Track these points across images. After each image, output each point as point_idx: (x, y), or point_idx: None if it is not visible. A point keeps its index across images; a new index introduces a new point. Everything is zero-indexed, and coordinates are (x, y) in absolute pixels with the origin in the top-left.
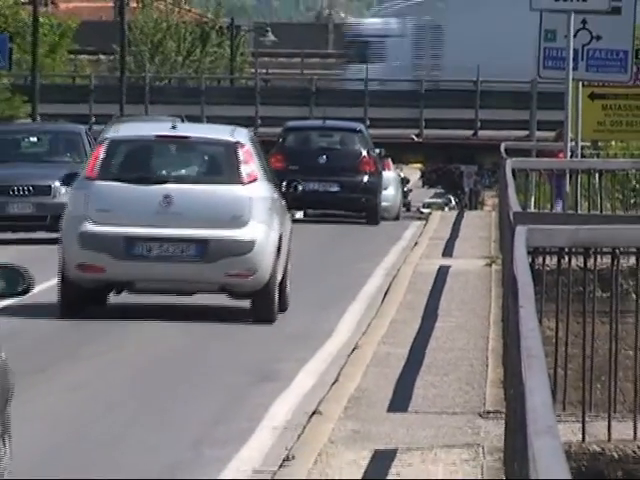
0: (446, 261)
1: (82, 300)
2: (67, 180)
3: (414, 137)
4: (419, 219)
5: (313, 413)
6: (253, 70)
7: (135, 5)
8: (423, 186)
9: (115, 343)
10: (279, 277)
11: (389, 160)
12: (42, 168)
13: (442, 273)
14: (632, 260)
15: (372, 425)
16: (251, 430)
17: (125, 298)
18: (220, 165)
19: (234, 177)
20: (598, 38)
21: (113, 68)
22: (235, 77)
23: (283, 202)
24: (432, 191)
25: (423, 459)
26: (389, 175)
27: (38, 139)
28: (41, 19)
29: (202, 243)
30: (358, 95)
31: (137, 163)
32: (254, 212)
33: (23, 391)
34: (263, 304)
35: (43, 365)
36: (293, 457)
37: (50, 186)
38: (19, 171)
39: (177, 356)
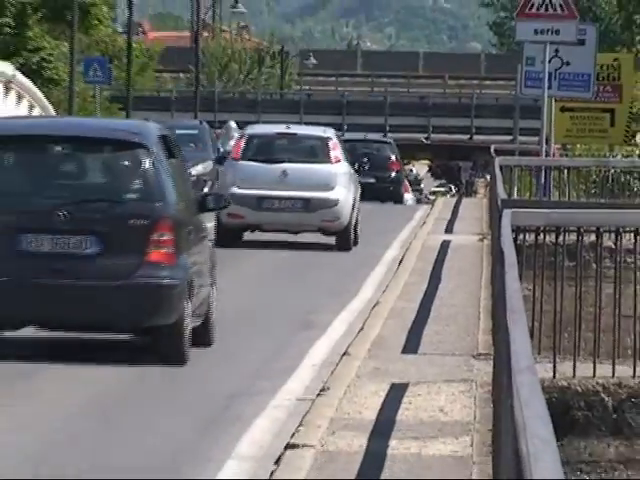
0: (448, 237)
1: (230, 236)
2: None
3: (423, 140)
4: (427, 203)
5: (343, 354)
6: (298, 86)
7: (207, 35)
8: (432, 178)
9: None
10: (353, 223)
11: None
12: None
13: (444, 246)
14: (592, 237)
15: (389, 364)
16: (295, 367)
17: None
18: (317, 151)
19: (326, 159)
20: (567, 64)
21: (189, 84)
22: (284, 92)
23: (356, 176)
24: (437, 182)
25: (429, 391)
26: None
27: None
28: (134, 45)
29: (306, 200)
30: (380, 106)
31: (265, 150)
32: (338, 181)
33: None
34: (343, 240)
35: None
36: (328, 388)
37: None
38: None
39: (234, 307)
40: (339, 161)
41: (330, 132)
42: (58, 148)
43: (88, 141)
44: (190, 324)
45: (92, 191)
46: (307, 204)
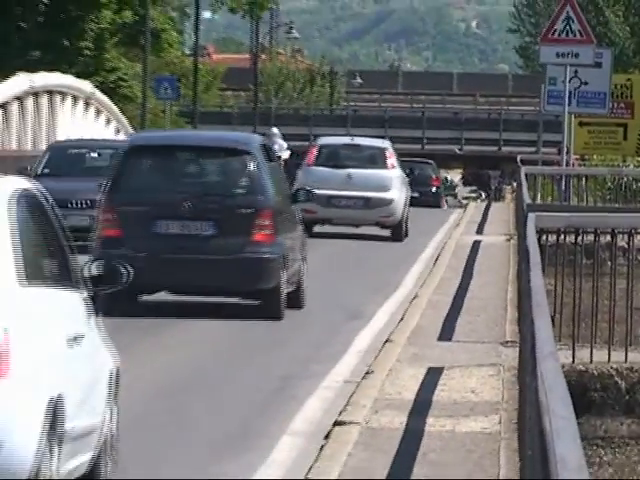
0: (478, 237)
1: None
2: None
3: (457, 151)
4: (460, 207)
5: (386, 341)
6: (346, 103)
7: (265, 57)
8: (463, 185)
9: None
10: (404, 218)
11: None
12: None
13: (475, 245)
14: (607, 238)
15: (427, 350)
16: (343, 352)
17: None
18: (376, 159)
19: (383, 165)
20: (586, 83)
21: (249, 100)
22: (333, 108)
23: (407, 180)
24: (469, 188)
25: (462, 374)
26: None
27: (99, 154)
28: (200, 66)
29: (366, 199)
30: (418, 121)
31: (333, 157)
32: (393, 184)
33: None
34: (397, 232)
35: None
36: (372, 371)
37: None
38: (79, 185)
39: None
40: (394, 167)
41: (387, 143)
42: (186, 154)
43: (208, 149)
44: (285, 289)
45: (210, 187)
46: (367, 202)
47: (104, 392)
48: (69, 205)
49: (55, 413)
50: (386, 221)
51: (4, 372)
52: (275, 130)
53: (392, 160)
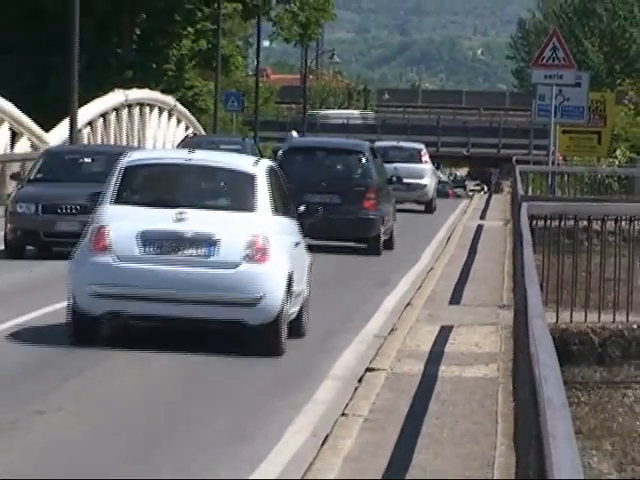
0: (481, 222)
1: None
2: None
3: (465, 152)
4: (467, 198)
5: (407, 304)
6: (376, 114)
7: (312, 77)
8: (469, 180)
9: None
10: (434, 198)
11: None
12: (95, 188)
13: (479, 228)
14: (585, 223)
15: (440, 311)
16: (373, 313)
17: None
18: (414, 156)
19: (419, 161)
20: (568, 99)
21: (299, 112)
22: (367, 118)
23: (436, 171)
24: (474, 182)
25: (468, 331)
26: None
27: (92, 160)
28: (260, 84)
29: (408, 184)
30: (434, 129)
31: (384, 155)
32: (426, 174)
33: None
34: (428, 208)
35: None
36: (396, 329)
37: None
38: (69, 191)
39: (328, 270)
40: (427, 162)
41: (422, 146)
42: (323, 153)
43: (337, 150)
44: (383, 237)
45: (338, 173)
46: (408, 186)
47: (306, 274)
48: (59, 210)
49: (289, 281)
50: (421, 199)
51: (266, 259)
52: (294, 134)
53: (425, 157)
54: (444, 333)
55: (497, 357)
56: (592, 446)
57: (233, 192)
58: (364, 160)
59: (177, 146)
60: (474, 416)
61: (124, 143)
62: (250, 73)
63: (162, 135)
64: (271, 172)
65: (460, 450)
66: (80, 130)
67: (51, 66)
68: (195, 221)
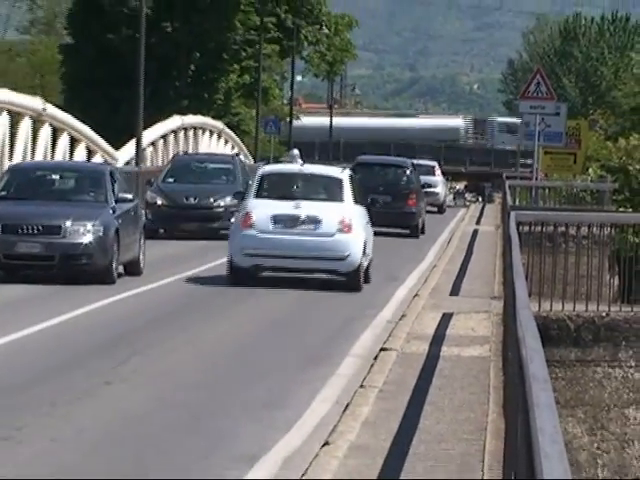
0: (477, 227)
1: None
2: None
3: (462, 170)
4: (465, 207)
5: (415, 295)
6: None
7: (337, 106)
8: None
9: None
10: (445, 203)
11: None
12: (58, 207)
13: (475, 232)
14: (562, 228)
15: (442, 301)
16: (386, 302)
17: None
18: (429, 170)
19: (433, 174)
20: (549, 126)
21: (328, 136)
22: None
23: (446, 182)
24: (470, 194)
25: (465, 318)
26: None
27: (61, 177)
28: (293, 112)
29: (424, 192)
30: (437, 150)
31: None
32: (438, 184)
33: None
34: (440, 209)
35: None
36: (405, 315)
37: (60, 226)
38: (32, 209)
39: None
40: (439, 175)
41: (434, 163)
42: (380, 167)
43: (390, 164)
44: (421, 227)
45: (390, 181)
46: (426, 193)
47: (371, 242)
48: (19, 231)
49: (364, 245)
50: (434, 203)
51: (350, 231)
52: (295, 151)
53: (438, 171)
54: (445, 319)
55: (489, 339)
56: (568, 414)
57: (329, 190)
58: (408, 172)
59: (168, 163)
60: (470, 388)
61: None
62: (285, 102)
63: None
64: (351, 177)
65: (458, 416)
66: (144, 149)
67: (122, 96)
68: (307, 208)
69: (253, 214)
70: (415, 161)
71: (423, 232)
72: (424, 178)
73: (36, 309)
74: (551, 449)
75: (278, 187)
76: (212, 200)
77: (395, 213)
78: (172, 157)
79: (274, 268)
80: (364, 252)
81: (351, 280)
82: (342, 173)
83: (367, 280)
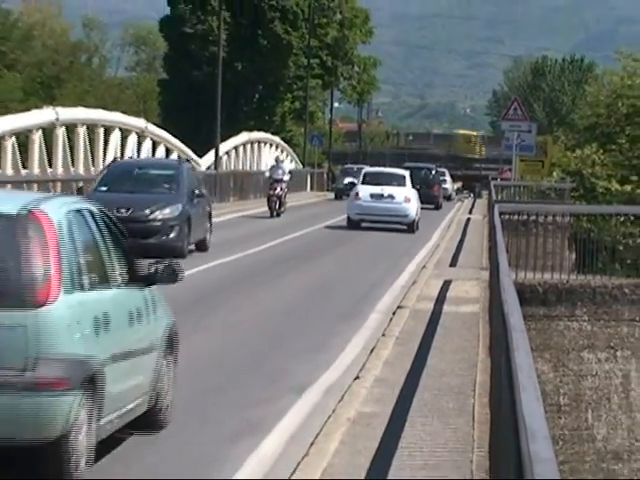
0: (469, 216)
1: None
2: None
3: (459, 172)
4: (461, 201)
5: (423, 267)
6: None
7: (364, 125)
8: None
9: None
10: (452, 196)
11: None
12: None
13: (467, 220)
14: (533, 217)
15: (444, 271)
16: (401, 272)
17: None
18: (432, 173)
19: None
20: (523, 141)
21: (357, 147)
22: (399, 152)
23: (452, 183)
24: (465, 192)
25: (461, 284)
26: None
27: (147, 172)
28: (333, 130)
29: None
30: (440, 157)
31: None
32: (447, 181)
33: None
34: (448, 199)
35: None
36: (415, 282)
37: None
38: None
39: (374, 244)
40: (448, 176)
41: (445, 169)
42: (418, 169)
43: (423, 168)
44: (440, 203)
45: (423, 176)
46: None
47: (419, 209)
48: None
49: (417, 209)
50: (444, 195)
51: (410, 202)
52: (282, 158)
53: (447, 174)
54: (446, 285)
55: (479, 300)
56: (538, 356)
57: (398, 180)
58: (433, 172)
59: (104, 169)
60: (464, 336)
61: (247, 166)
62: (326, 122)
63: (271, 160)
64: (410, 173)
65: (456, 357)
66: (221, 157)
67: (204, 118)
68: (387, 190)
69: (360, 192)
70: (420, 165)
71: (441, 207)
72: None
73: None
74: (527, 382)
75: (373, 178)
76: (148, 212)
77: (427, 194)
78: (109, 163)
79: (370, 221)
80: (416, 213)
81: (409, 228)
82: (405, 172)
83: (417, 228)
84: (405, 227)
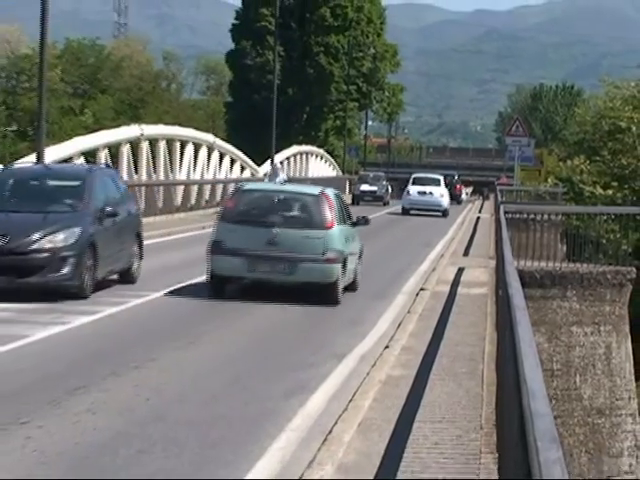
0: (479, 214)
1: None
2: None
3: (470, 179)
4: (472, 202)
5: (441, 256)
6: (425, 160)
7: (393, 140)
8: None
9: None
10: (464, 199)
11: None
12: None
13: (478, 218)
14: (532, 216)
15: (458, 260)
16: (423, 260)
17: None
18: (440, 181)
19: (443, 185)
20: (523, 152)
21: (387, 157)
22: (421, 162)
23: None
24: (475, 195)
25: (473, 270)
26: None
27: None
28: (367, 144)
29: (440, 197)
30: (455, 167)
31: (418, 182)
32: (444, 193)
33: None
34: (455, 204)
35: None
36: (434, 269)
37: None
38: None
39: (395, 240)
40: (446, 185)
41: (457, 175)
42: (428, 179)
43: (448, 175)
44: (462, 200)
45: (448, 180)
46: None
47: (449, 203)
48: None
49: (449, 203)
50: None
51: (444, 197)
52: (278, 165)
53: (460, 184)
54: (460, 271)
55: (487, 283)
56: (535, 330)
57: (436, 182)
58: (456, 177)
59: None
60: (475, 313)
61: (297, 174)
62: (361, 137)
63: (316, 170)
64: (444, 177)
65: (468, 330)
66: (275, 166)
67: (262, 133)
68: (429, 188)
69: (410, 190)
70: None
71: (462, 202)
72: (433, 188)
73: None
74: (528, 351)
75: (419, 181)
76: (31, 239)
77: (451, 193)
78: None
79: (417, 210)
80: (447, 204)
81: (443, 214)
82: (440, 176)
83: (448, 214)
84: (440, 214)
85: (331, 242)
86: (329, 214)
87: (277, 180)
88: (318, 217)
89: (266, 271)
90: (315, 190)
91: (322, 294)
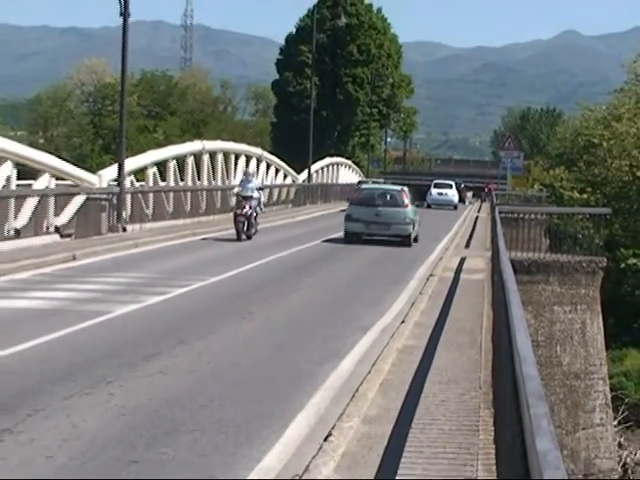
0: (477, 214)
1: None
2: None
3: (470, 185)
4: (472, 204)
5: (447, 248)
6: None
7: (407, 153)
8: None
9: None
10: (467, 201)
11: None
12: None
13: (477, 218)
14: (522, 215)
15: (460, 251)
16: (432, 252)
17: None
18: (451, 185)
19: (453, 187)
20: (515, 164)
21: (402, 167)
22: (431, 172)
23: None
24: (474, 198)
25: (473, 260)
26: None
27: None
28: (387, 157)
29: (452, 197)
30: (459, 175)
31: (438, 186)
32: (455, 194)
33: None
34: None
35: None
36: (441, 258)
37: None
38: None
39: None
40: (457, 189)
41: (462, 183)
42: (442, 183)
43: (450, 184)
44: (467, 202)
45: (456, 187)
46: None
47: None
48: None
49: (462, 201)
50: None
51: (455, 198)
52: (250, 170)
53: (464, 188)
54: (462, 261)
55: (485, 270)
56: (524, 308)
57: (450, 186)
58: (462, 184)
59: None
60: (475, 295)
61: (328, 181)
62: (382, 151)
63: (345, 177)
64: (455, 183)
65: (470, 309)
66: (311, 175)
67: (301, 147)
68: (445, 190)
69: (432, 192)
70: (445, 180)
71: (465, 202)
72: (447, 191)
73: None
74: (519, 325)
75: (438, 186)
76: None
77: (459, 195)
78: None
79: (435, 205)
80: (457, 202)
81: (455, 208)
82: (453, 182)
83: (457, 208)
84: (452, 207)
85: (407, 214)
86: (406, 199)
87: (249, 186)
88: (400, 200)
89: (374, 229)
90: (398, 187)
91: (402, 242)
